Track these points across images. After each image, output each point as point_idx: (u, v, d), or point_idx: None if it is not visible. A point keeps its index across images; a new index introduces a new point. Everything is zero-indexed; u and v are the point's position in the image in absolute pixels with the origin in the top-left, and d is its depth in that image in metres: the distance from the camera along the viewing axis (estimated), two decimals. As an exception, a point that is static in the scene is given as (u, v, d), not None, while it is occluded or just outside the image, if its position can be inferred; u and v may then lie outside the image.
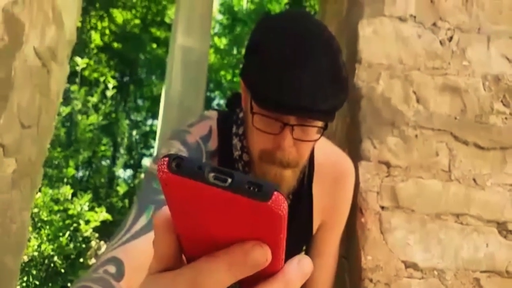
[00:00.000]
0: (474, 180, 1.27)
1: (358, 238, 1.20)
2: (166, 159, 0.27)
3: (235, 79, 8.41)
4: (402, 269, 1.16)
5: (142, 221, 0.77)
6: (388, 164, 1.29)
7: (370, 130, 1.32)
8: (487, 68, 1.40)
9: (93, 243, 4.22)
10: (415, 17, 1.45)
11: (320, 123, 0.83)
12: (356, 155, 1.30)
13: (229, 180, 0.26)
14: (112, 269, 0.67)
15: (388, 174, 1.28)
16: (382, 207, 1.24)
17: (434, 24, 1.44)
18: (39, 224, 4.06)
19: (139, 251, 0.71)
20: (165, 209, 0.30)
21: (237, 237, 0.28)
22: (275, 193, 0.26)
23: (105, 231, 4.27)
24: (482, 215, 1.24)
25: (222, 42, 8.59)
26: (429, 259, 1.18)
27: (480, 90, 1.37)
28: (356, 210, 1.23)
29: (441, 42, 1.43)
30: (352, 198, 1.11)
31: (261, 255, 0.27)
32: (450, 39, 1.43)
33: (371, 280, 1.14)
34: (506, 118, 1.35)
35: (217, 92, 9.22)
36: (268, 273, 0.29)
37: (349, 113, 1.43)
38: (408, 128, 1.33)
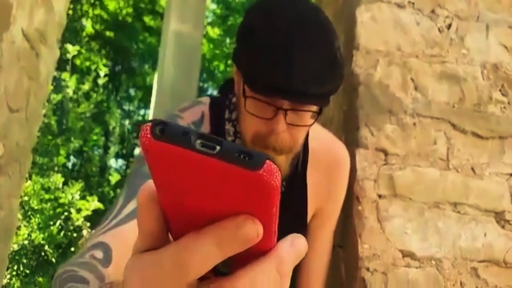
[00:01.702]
0: (472, 169, 1.25)
1: (355, 227, 1.18)
2: (149, 124, 0.24)
3: (228, 70, 8.36)
4: (399, 258, 1.14)
5: (131, 206, 0.75)
6: (385, 152, 1.27)
7: (367, 118, 1.30)
8: (485, 57, 1.38)
9: (84, 232, 4.19)
10: (413, 3, 1.42)
11: (314, 108, 0.81)
12: (353, 143, 1.28)
13: (218, 147, 0.24)
14: (99, 254, 0.65)
15: (386, 162, 1.26)
16: (379, 195, 1.22)
17: (433, 11, 1.42)
18: (29, 213, 4.01)
19: (128, 236, 0.69)
20: (150, 183, 0.27)
21: (226, 211, 0.26)
22: (267, 161, 0.24)
23: (97, 220, 4.23)
24: (480, 204, 1.23)
25: (215, 32, 8.51)
26: (427, 248, 1.16)
27: (479, 79, 1.36)
28: (353, 198, 1.21)
29: (439, 30, 1.41)
30: (349, 186, 1.10)
31: (252, 230, 0.25)
32: (449, 26, 1.41)
33: (368, 269, 1.13)
34: (504, 107, 1.33)
35: (210, 83, 9.16)
36: (259, 251, 0.27)
37: (346, 100, 1.41)
38: (406, 116, 1.31)
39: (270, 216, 0.26)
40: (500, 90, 1.36)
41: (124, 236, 0.69)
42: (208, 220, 0.26)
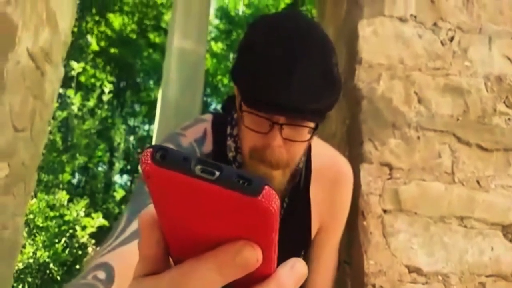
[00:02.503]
0: (478, 182, 1.24)
1: (361, 242, 1.17)
2: (150, 150, 0.25)
3: (232, 84, 8.40)
4: (405, 274, 1.13)
5: (134, 225, 0.74)
6: (390, 166, 1.26)
7: (371, 132, 1.29)
8: (489, 69, 1.38)
9: (89, 249, 4.18)
10: (415, 17, 1.43)
11: (311, 124, 0.80)
12: (357, 157, 1.27)
13: (217, 173, 0.24)
14: (101, 274, 0.64)
15: (390, 177, 1.25)
16: (385, 210, 1.21)
17: (435, 24, 1.42)
18: (34, 231, 4.01)
19: (131, 256, 0.68)
20: (151, 208, 0.28)
21: (226, 236, 0.26)
22: (266, 187, 0.24)
23: (102, 237, 4.22)
24: (486, 218, 1.21)
25: (218, 47, 8.58)
26: (433, 264, 1.15)
27: (483, 91, 1.35)
28: (358, 213, 1.20)
29: (442, 42, 1.41)
30: (354, 201, 1.09)
31: (252, 255, 0.25)
32: (451, 39, 1.41)
33: (374, 286, 1.11)
34: (509, 119, 1.33)
35: (214, 97, 9.20)
36: (259, 276, 0.27)
37: (349, 114, 1.41)
38: (410, 130, 1.30)
39: (270, 241, 0.26)
40: (504, 102, 1.35)
41: (127, 256, 0.69)
42: (209, 245, 0.26)
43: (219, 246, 0.26)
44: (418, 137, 1.29)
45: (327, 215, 1.03)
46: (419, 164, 1.26)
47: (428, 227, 1.19)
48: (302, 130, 0.81)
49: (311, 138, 0.83)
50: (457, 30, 1.41)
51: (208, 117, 0.99)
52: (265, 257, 0.26)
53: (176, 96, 3.42)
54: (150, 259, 0.28)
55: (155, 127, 3.89)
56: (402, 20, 1.42)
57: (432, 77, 1.36)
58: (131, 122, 9.00)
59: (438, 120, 1.31)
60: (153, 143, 4.03)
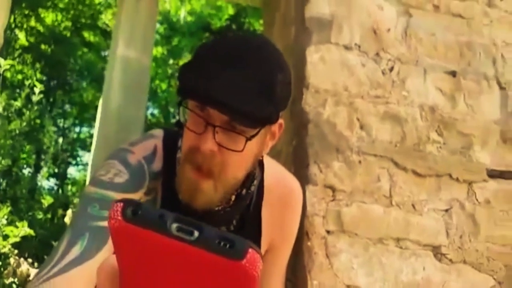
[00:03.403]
0: (413, 205, 1.34)
1: (305, 262, 1.21)
2: (121, 204, 0.23)
3: (170, 89, 8.28)
4: (347, 294, 1.18)
5: (75, 251, 0.71)
6: (333, 188, 1.32)
7: (316, 155, 1.35)
8: (423, 99, 1.49)
9: (11, 260, 3.90)
10: (359, 46, 1.51)
11: (245, 130, 0.78)
12: (303, 179, 1.32)
13: (196, 233, 0.23)
14: None
15: (334, 198, 1.31)
16: (328, 231, 1.26)
17: (377, 54, 1.51)
18: None
19: (70, 285, 0.66)
20: (110, 260, 0.26)
21: None
22: (250, 250, 0.23)
23: (26, 247, 3.97)
24: (419, 239, 1.30)
25: (158, 51, 8.44)
26: (372, 283, 1.22)
27: (418, 120, 1.46)
28: (303, 234, 1.24)
29: (383, 72, 1.50)
30: (300, 222, 1.12)
31: None
32: (391, 69, 1.51)
33: (317, 305, 1.15)
34: (440, 147, 1.44)
35: (151, 102, 9.01)
36: None
37: (296, 136, 1.45)
38: (352, 154, 1.37)
39: None
40: (436, 131, 1.46)
41: (65, 286, 0.66)
42: None
43: None
44: (360, 161, 1.37)
45: (277, 233, 1.03)
46: (360, 187, 1.33)
47: (367, 247, 1.26)
48: (237, 138, 0.78)
49: (243, 149, 0.79)
50: (396, 61, 1.51)
51: (159, 133, 0.95)
52: None
53: (119, 104, 3.32)
54: None
55: (94, 134, 3.74)
56: (347, 48, 1.50)
57: (373, 105, 1.44)
58: (61, 123, 8.57)
59: (378, 145, 1.39)
60: (92, 150, 3.86)
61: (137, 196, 0.85)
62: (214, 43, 0.82)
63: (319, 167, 1.33)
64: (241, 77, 0.76)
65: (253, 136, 0.79)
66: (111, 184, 0.82)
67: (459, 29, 1.58)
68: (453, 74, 1.55)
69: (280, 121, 0.87)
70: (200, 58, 0.79)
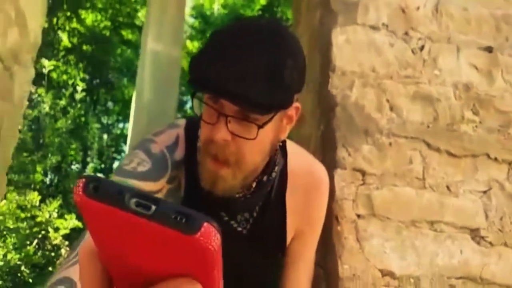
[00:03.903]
0: (447, 187, 1.29)
1: (335, 247, 1.20)
2: (83, 180, 0.24)
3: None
4: (379, 278, 1.16)
5: None
6: (363, 172, 1.30)
7: (344, 138, 1.32)
8: (457, 77, 1.43)
9: (63, 251, 4.11)
10: (387, 26, 1.46)
11: (258, 120, 0.78)
12: (331, 163, 1.30)
13: (153, 207, 0.23)
14: None
15: (363, 182, 1.29)
16: (358, 215, 1.24)
17: (406, 33, 1.46)
18: (4, 233, 3.91)
19: None
20: (90, 239, 0.27)
21: (166, 271, 0.25)
22: (205, 224, 0.23)
23: (75, 238, 4.16)
24: (455, 222, 1.26)
25: (194, 46, 8.53)
26: (406, 267, 1.19)
27: (451, 99, 1.40)
28: (332, 218, 1.23)
29: (412, 51, 1.45)
30: (328, 206, 1.11)
31: None
32: (422, 48, 1.46)
33: (348, 290, 1.14)
34: (476, 126, 1.38)
35: (189, 96, 9.15)
36: None
37: (323, 120, 1.44)
38: (382, 136, 1.34)
39: (212, 278, 0.26)
40: (471, 110, 1.40)
41: None
42: (150, 279, 0.26)
43: (160, 280, 0.25)
44: (390, 144, 1.33)
45: (304, 219, 1.04)
46: (391, 170, 1.30)
47: (400, 231, 1.23)
48: (249, 127, 0.79)
49: (256, 137, 0.79)
50: (427, 40, 1.46)
51: (182, 122, 0.97)
52: None
53: (150, 98, 3.38)
54: None
55: (129, 127, 3.85)
56: (374, 28, 1.46)
57: (403, 85, 1.40)
58: (105, 120, 8.85)
59: (409, 127, 1.35)
60: (128, 144, 3.98)
61: (159, 184, 0.88)
62: (222, 32, 0.82)
63: (347, 150, 1.31)
64: (249, 65, 0.76)
65: (265, 123, 0.79)
66: (134, 173, 0.85)
67: (493, 2, 1.50)
68: (489, 49, 1.48)
69: (296, 104, 0.87)
70: (209, 49, 0.80)
